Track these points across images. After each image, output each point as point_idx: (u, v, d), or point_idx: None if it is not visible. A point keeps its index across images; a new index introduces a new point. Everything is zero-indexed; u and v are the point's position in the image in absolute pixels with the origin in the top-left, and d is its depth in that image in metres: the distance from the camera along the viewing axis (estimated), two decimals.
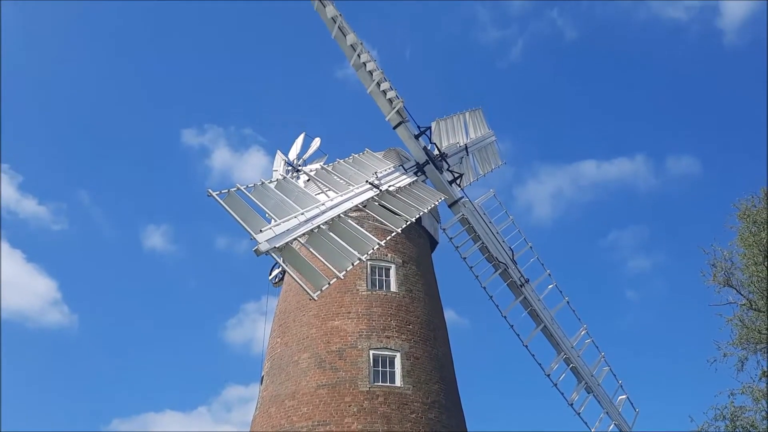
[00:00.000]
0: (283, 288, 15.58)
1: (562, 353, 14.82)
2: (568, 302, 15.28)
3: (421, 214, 11.96)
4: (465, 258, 13.96)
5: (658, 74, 42.97)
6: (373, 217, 11.35)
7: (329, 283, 8.95)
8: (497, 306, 14.00)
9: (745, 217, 13.53)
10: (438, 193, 13.67)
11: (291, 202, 9.86)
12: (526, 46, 44.27)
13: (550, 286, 15.25)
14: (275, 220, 9.37)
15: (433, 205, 12.78)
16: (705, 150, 43.21)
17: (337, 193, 10.98)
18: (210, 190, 8.91)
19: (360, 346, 13.03)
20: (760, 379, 12.39)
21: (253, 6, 42.85)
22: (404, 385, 12.67)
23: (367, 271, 14.10)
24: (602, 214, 43.06)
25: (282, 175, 10.97)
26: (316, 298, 8.80)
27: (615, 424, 14.73)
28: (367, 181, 11.89)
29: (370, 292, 13.85)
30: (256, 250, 8.65)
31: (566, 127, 43.77)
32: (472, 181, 17.75)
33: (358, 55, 12.59)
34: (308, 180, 12.71)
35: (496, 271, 14.32)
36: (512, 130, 42.55)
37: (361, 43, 12.55)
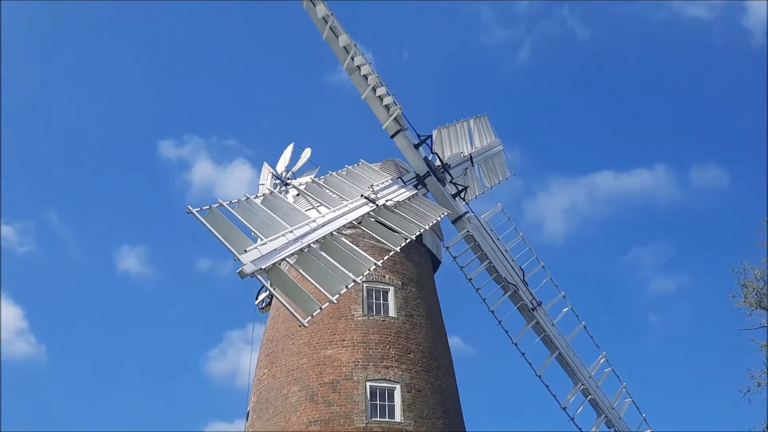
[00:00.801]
0: (270, 314, 15.55)
1: (580, 384, 14.78)
2: (585, 327, 15.26)
3: (422, 231, 11.97)
4: (471, 279, 13.97)
5: (680, 77, 42.97)
6: (369, 234, 11.38)
7: (321, 308, 8.97)
8: (507, 332, 14.03)
9: None
10: (440, 208, 13.63)
11: (279, 219, 9.84)
12: (535, 48, 44.49)
13: (565, 310, 15.27)
14: (261, 239, 9.33)
15: (435, 221, 12.78)
16: (733, 160, 42.83)
17: (329, 208, 10.96)
18: (190, 207, 8.91)
19: (356, 378, 13.00)
20: None
21: (237, 6, 43.15)
22: (405, 421, 12.60)
23: (362, 294, 14.11)
24: (621, 230, 42.71)
25: (269, 190, 10.85)
26: (306, 325, 8.79)
27: None
28: (362, 195, 11.82)
29: (366, 318, 13.83)
30: (240, 272, 8.61)
31: (579, 135, 43.78)
32: (477, 194, 17.80)
33: (352, 58, 12.79)
34: (298, 195, 12.56)
35: (505, 293, 14.37)
36: (521, 139, 42.49)
37: (355, 45, 12.73)
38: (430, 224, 12.67)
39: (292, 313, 8.69)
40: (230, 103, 43.48)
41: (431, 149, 15.28)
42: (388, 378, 12.90)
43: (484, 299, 13.68)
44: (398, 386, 12.89)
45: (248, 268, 8.68)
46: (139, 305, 40.63)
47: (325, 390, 12.75)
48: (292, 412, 12.74)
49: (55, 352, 38.88)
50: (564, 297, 14.96)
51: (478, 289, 13.73)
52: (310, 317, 8.79)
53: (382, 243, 11.43)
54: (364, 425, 12.29)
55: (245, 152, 44.71)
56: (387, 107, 13.59)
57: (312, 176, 14.48)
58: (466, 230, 14.74)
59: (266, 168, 16.97)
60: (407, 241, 11.34)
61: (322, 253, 9.72)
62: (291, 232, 9.70)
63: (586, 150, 43.91)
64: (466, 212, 15.09)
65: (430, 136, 15.00)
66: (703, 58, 43.09)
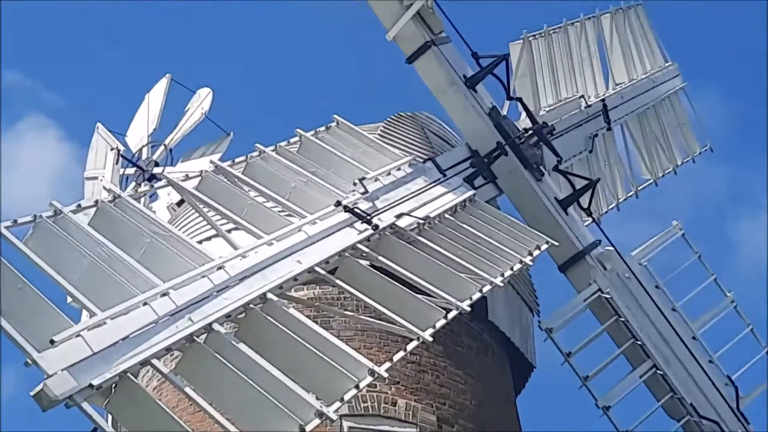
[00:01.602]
0: None
1: None
2: None
3: (491, 289, 10.76)
4: (606, 408, 12.04)
5: None
6: (358, 301, 10.13)
7: None
8: None
9: None
10: (535, 235, 12.35)
11: (133, 263, 8.65)
12: None
13: None
14: (92, 313, 8.02)
15: (521, 266, 11.63)
16: None
17: (259, 234, 9.85)
18: None
19: None
20: None
21: None
22: None
23: None
24: None
25: (110, 192, 9.56)
26: None
27: None
28: (340, 204, 10.71)
29: None
30: (41, 396, 7.19)
31: None
32: (621, 198, 16.06)
33: None
34: (182, 201, 12.90)
35: None
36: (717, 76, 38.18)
37: None
38: (510, 272, 11.35)
39: None
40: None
41: (507, 91, 13.89)
42: None
43: None
44: None
45: (58, 389, 7.21)
46: None
47: None
48: None
49: None
50: None
51: None
52: None
53: (389, 325, 9.89)
54: None
55: (50, 103, 41.99)
56: None
57: (217, 156, 14.55)
58: (595, 290, 13.11)
59: (102, 137, 15.70)
60: (452, 315, 9.90)
61: (241, 346, 8.39)
62: (165, 295, 8.31)
63: None
64: (596, 244, 13.69)
65: (506, 57, 13.53)
66: None
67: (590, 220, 14.65)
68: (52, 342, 7.56)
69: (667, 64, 18.09)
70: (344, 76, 43.32)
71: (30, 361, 7.47)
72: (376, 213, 11.16)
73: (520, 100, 14.50)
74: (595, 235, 14.25)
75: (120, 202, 9.60)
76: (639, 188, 16.68)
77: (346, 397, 8.55)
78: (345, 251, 10.36)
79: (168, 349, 8.28)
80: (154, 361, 8.10)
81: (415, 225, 11.28)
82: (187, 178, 10.92)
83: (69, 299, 8.67)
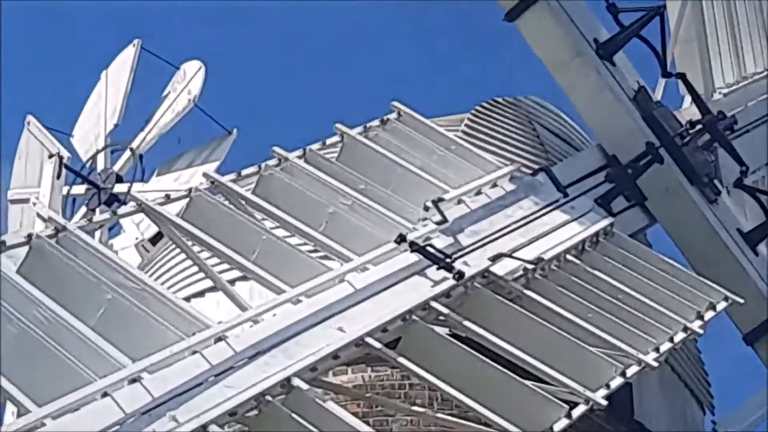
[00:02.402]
0: None
1: None
2: None
3: (643, 369, 10.64)
4: None
5: None
6: (431, 389, 10.50)
7: None
8: None
9: None
10: (711, 288, 12.01)
11: (85, 331, 8.46)
12: None
13: None
14: (22, 409, 7.95)
15: (690, 334, 11.37)
16: None
17: (281, 287, 9.68)
18: None
19: None
20: None
21: None
22: None
23: None
24: None
25: (51, 223, 9.52)
26: None
27: None
28: (405, 239, 10.45)
29: None
30: None
31: None
32: None
33: None
34: (158, 236, 13.67)
35: None
36: None
37: None
38: (669, 345, 11.00)
39: None
40: None
41: (662, 63, 13.82)
42: None
43: None
44: None
45: None
46: None
47: None
48: None
49: None
50: None
51: None
52: None
53: (480, 428, 9.73)
54: None
55: None
56: None
57: (212, 168, 15.37)
58: None
59: (34, 136, 15.95)
60: (578, 413, 9.69)
61: None
62: (135, 381, 8.22)
63: None
64: None
65: (661, 11, 13.39)
66: None
67: None
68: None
69: None
70: (400, 43, 43.19)
71: None
72: (460, 253, 10.88)
73: (682, 77, 14.33)
74: None
75: (65, 237, 9.48)
76: None
77: None
78: (412, 313, 10.15)
79: None
80: None
81: (521, 272, 11.02)
82: (167, 200, 10.71)
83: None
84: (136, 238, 14.69)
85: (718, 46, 15.56)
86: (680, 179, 13.40)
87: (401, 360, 10.05)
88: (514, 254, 11.07)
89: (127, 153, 18.15)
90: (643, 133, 13.33)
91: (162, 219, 10.48)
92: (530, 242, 11.51)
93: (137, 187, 15.28)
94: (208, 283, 11.98)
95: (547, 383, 10.17)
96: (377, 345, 9.82)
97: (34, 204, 14.69)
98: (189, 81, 17.51)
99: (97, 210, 15.03)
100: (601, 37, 13.51)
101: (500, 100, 16.08)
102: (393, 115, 12.20)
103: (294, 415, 8.85)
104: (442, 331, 10.28)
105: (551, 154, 15.10)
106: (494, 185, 11.92)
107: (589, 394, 9.99)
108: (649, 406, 14.56)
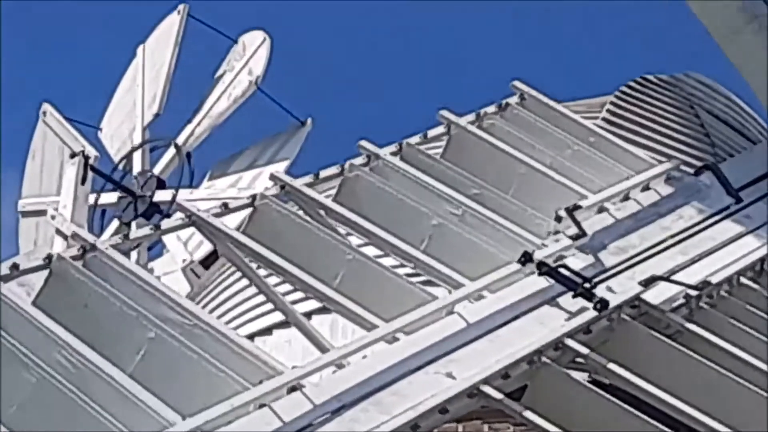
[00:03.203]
0: None
1: None
2: None
3: None
4: None
5: None
6: None
7: None
8: None
9: None
10: None
11: (125, 382, 7.60)
12: None
13: None
14: None
15: None
16: None
17: (372, 321, 8.99)
18: None
19: None
20: None
21: None
22: None
23: None
24: None
25: (77, 241, 8.75)
26: None
27: None
28: (531, 258, 9.61)
29: None
30: None
31: None
32: None
33: None
34: (212, 256, 13.53)
35: None
36: None
37: None
38: None
39: None
40: None
41: None
42: None
43: None
44: None
45: None
46: None
47: None
48: None
49: None
50: None
51: None
52: None
53: None
54: None
55: None
56: None
57: (282, 167, 14.52)
58: None
59: (52, 129, 15.64)
60: None
61: None
62: None
63: None
64: None
65: None
66: None
67: None
68: None
69: None
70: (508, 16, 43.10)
71: None
72: (603, 276, 9.77)
73: None
74: None
75: (93, 259, 8.74)
76: None
77: None
78: (541, 353, 9.24)
79: None
80: None
81: (682, 300, 9.92)
82: (224, 210, 9.93)
83: None
84: (184, 260, 14.10)
85: None
86: None
87: (528, 414, 8.93)
88: (673, 277, 10.20)
89: (171, 150, 17.06)
90: None
91: (217, 234, 9.71)
92: (693, 262, 10.52)
93: (184, 194, 14.61)
94: (278, 316, 11.48)
95: None
96: (497, 395, 8.81)
97: (53, 217, 13.84)
98: (250, 57, 16.57)
99: (134, 224, 14.68)
100: None
101: (652, 78, 15.30)
102: (514, 99, 11.35)
103: None
104: (581, 376, 9.35)
105: (719, 148, 14.39)
106: (646, 188, 11.00)
107: None
108: None
